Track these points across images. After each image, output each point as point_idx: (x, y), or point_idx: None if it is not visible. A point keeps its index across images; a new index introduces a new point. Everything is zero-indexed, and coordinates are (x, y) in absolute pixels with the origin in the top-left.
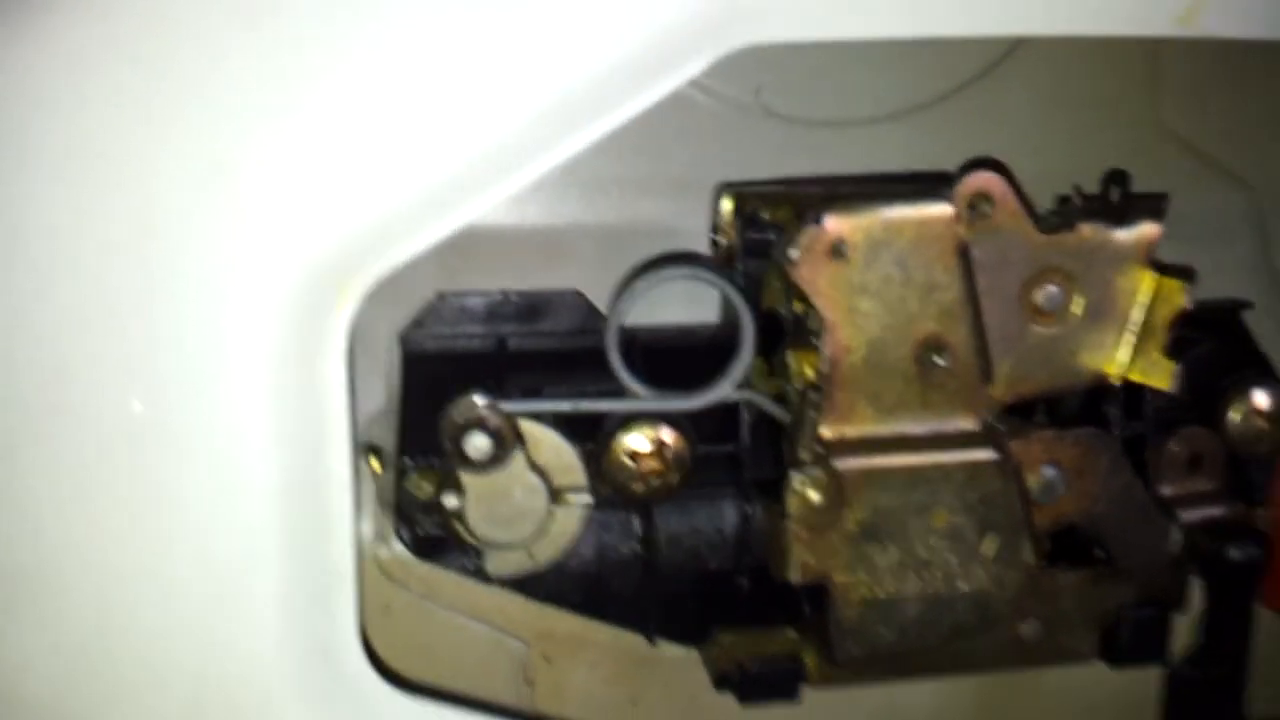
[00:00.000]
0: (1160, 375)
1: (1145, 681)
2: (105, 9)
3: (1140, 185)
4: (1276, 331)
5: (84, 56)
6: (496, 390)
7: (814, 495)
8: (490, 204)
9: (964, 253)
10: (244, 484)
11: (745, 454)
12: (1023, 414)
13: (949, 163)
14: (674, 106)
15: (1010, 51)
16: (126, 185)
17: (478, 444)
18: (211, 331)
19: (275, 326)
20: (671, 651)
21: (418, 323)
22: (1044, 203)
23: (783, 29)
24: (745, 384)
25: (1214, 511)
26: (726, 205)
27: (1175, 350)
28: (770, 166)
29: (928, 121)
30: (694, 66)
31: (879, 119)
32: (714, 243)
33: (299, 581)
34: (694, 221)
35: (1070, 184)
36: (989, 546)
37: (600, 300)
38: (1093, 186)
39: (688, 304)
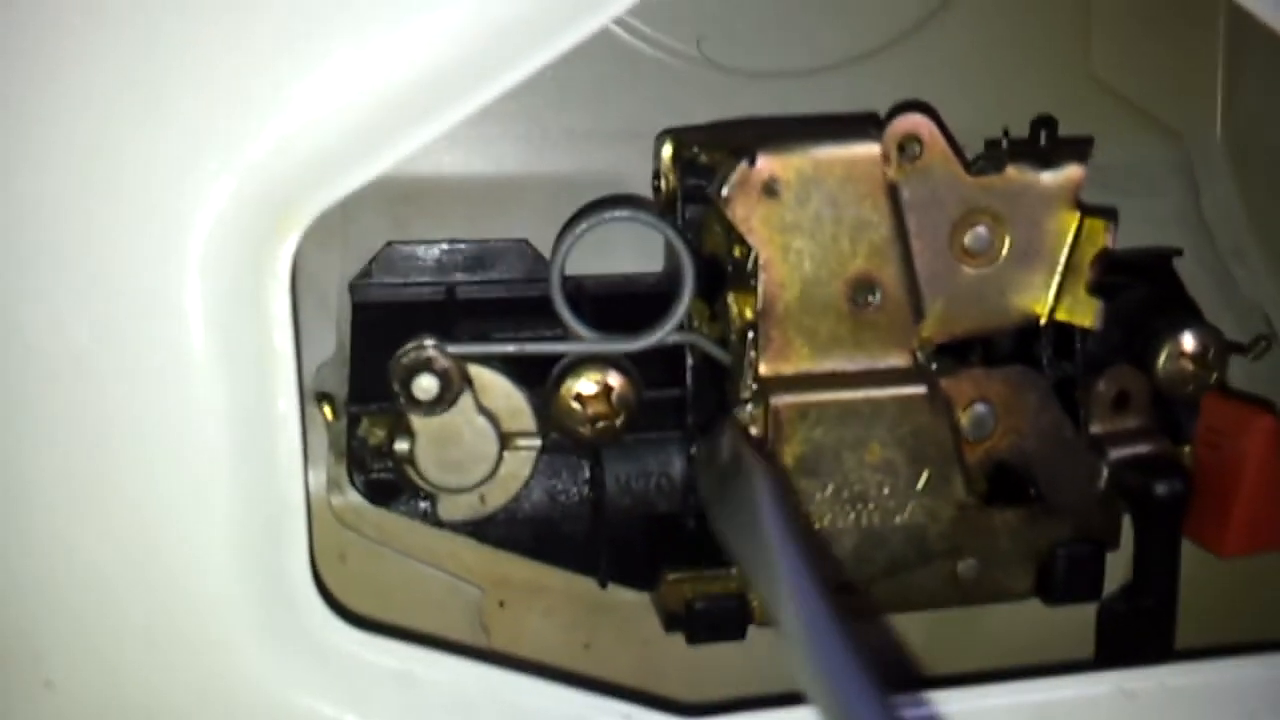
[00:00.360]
0: (1085, 314)
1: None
2: None
3: (1072, 134)
4: (1206, 279)
5: None
6: (445, 337)
7: (752, 431)
8: (430, 137)
9: (894, 193)
10: (191, 417)
11: (690, 397)
12: (958, 354)
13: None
14: (618, 57)
15: (945, 2)
16: (63, 118)
17: (425, 385)
18: (154, 262)
19: (217, 257)
20: (624, 596)
21: (367, 272)
22: (979, 151)
23: None
24: (688, 326)
25: (1142, 449)
26: (666, 150)
27: (1107, 294)
28: (713, 116)
29: (866, 71)
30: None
31: (818, 69)
32: (656, 189)
33: (250, 516)
34: (640, 171)
35: (1006, 130)
36: (922, 480)
37: (548, 250)
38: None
39: (635, 254)
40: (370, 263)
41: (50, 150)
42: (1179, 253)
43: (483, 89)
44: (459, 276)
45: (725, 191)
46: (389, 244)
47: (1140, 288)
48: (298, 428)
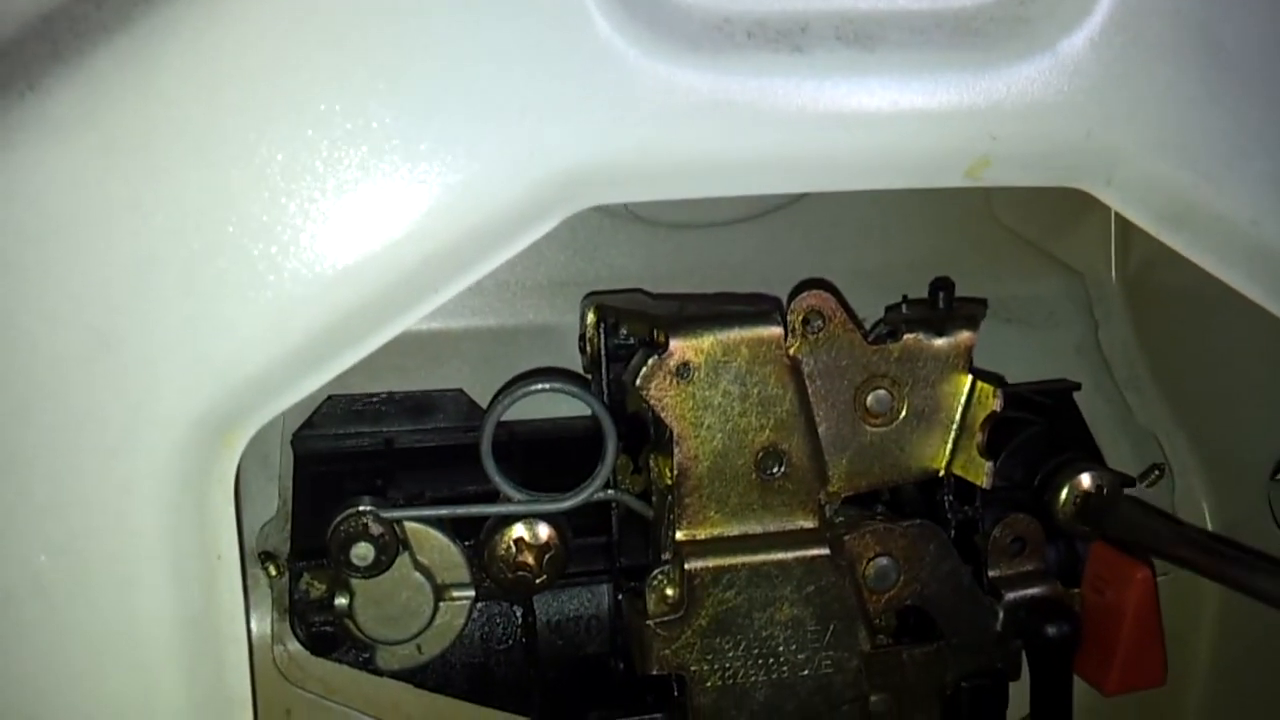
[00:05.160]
0: (976, 472)
1: None
2: None
3: (979, 273)
4: (1104, 407)
5: None
6: (384, 490)
7: (670, 593)
8: (362, 355)
9: (796, 367)
10: (141, 624)
11: (616, 546)
12: (866, 501)
13: (801, 257)
14: None
15: None
16: (20, 360)
17: (361, 553)
18: (106, 487)
19: (164, 480)
20: None
21: (309, 424)
22: (888, 291)
23: (614, 196)
24: (613, 484)
25: (1036, 591)
26: (590, 318)
27: (1009, 432)
28: (639, 265)
29: (781, 221)
30: (546, 225)
31: (737, 220)
32: (582, 349)
33: (198, 710)
34: (569, 319)
35: (916, 272)
36: (827, 634)
37: (483, 397)
38: (935, 271)
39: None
40: (311, 415)
41: (13, 395)
42: (1078, 387)
43: (412, 312)
44: (397, 426)
45: (639, 382)
46: (329, 397)
47: (1040, 425)
48: (243, 628)
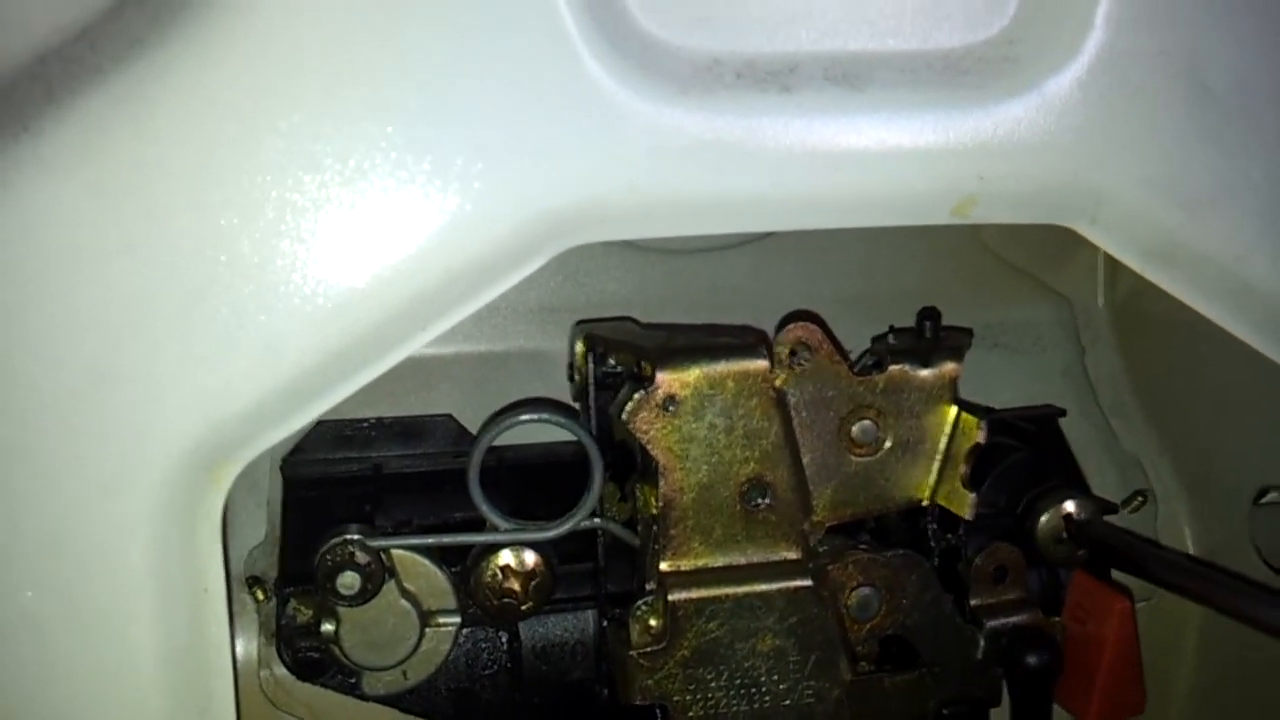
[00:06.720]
0: (960, 503)
1: None
2: None
3: (967, 299)
4: (1090, 432)
5: None
6: (371, 516)
7: (654, 623)
8: (350, 392)
9: (782, 399)
10: (129, 657)
11: (602, 573)
12: (850, 529)
13: (791, 283)
14: None
15: None
16: (13, 397)
17: (348, 581)
18: (96, 524)
19: (153, 516)
20: None
21: (298, 449)
22: (876, 318)
23: (603, 234)
24: (599, 512)
25: (1018, 619)
26: (579, 347)
27: (993, 460)
28: (630, 291)
29: (772, 248)
30: (535, 263)
31: (728, 247)
32: (571, 378)
33: None
34: (559, 344)
35: (905, 300)
36: (809, 664)
37: (472, 421)
38: (924, 298)
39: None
40: (300, 441)
41: (7, 429)
42: (1063, 413)
43: (403, 347)
44: (386, 451)
45: (625, 415)
46: (318, 422)
47: (1024, 451)
48: (228, 661)
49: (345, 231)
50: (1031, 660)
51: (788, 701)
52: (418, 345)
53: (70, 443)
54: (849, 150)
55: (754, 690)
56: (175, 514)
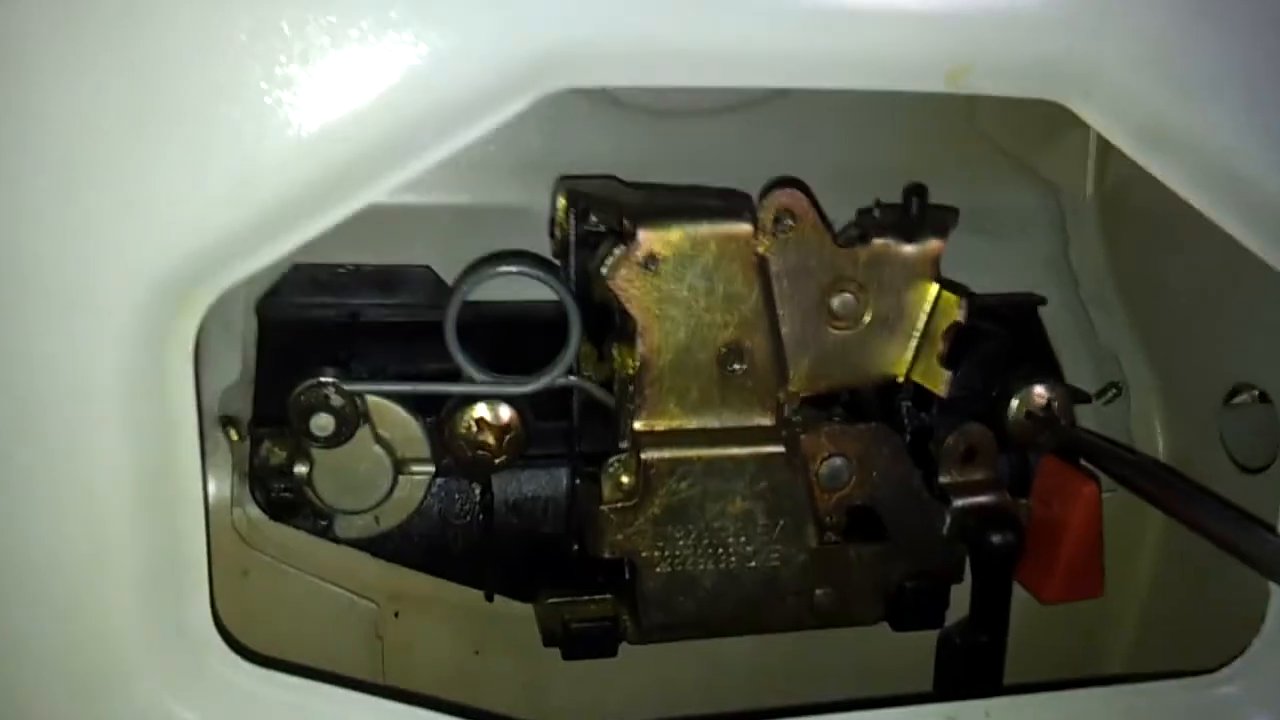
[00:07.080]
0: (935, 380)
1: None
2: None
3: (955, 181)
4: (1069, 322)
5: None
6: (347, 363)
7: (625, 480)
8: (325, 227)
9: (764, 265)
10: (96, 483)
11: (576, 431)
12: (824, 402)
13: (778, 152)
14: None
15: None
16: None
17: (322, 423)
18: (60, 342)
19: (121, 338)
20: (513, 608)
21: (274, 291)
22: (862, 193)
23: (589, 78)
24: (576, 370)
25: (984, 499)
26: (561, 202)
27: (971, 342)
28: (617, 152)
29: (763, 114)
30: (518, 104)
31: (718, 111)
32: (552, 234)
33: (154, 569)
34: (541, 201)
35: (892, 177)
36: (777, 529)
37: (450, 275)
38: (912, 176)
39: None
40: (276, 283)
41: None
42: (1043, 301)
43: (382, 183)
44: (362, 300)
45: (605, 270)
46: (295, 266)
47: (1002, 336)
48: (199, 490)
49: (322, 59)
50: (995, 539)
51: (753, 564)
52: (393, 184)
53: (34, 255)
54: (843, 8)
55: (721, 550)
56: (145, 339)
